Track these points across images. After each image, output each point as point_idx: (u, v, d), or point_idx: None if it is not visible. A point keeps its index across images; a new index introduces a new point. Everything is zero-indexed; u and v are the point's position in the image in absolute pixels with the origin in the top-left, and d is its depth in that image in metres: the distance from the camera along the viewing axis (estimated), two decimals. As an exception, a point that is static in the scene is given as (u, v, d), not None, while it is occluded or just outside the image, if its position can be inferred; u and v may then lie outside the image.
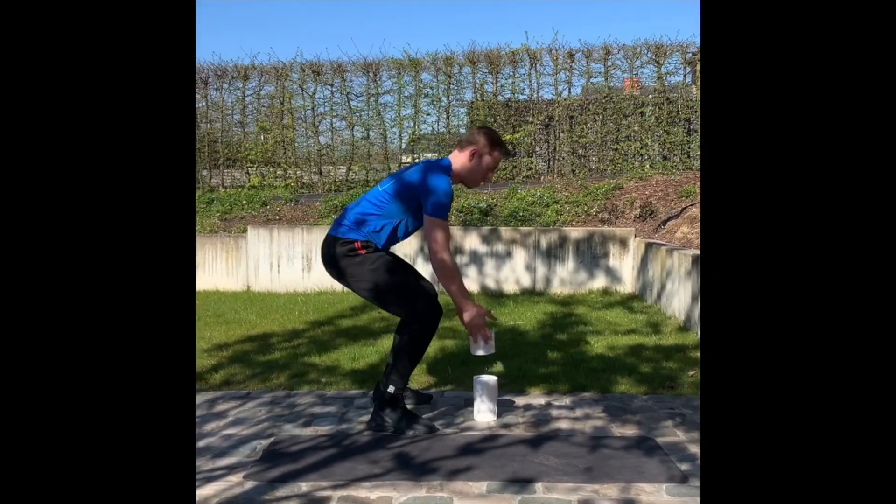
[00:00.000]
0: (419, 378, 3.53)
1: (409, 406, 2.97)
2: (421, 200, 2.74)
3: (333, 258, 2.80)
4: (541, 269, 6.69)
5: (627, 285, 6.62)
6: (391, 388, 2.73)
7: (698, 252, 5.03)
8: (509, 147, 3.02)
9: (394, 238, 2.85)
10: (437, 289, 3.12)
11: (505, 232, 6.75)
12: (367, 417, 2.93)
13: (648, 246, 6.14)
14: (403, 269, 2.87)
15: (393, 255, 2.90)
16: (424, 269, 5.80)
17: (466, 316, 2.75)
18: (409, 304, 2.76)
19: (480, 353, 2.79)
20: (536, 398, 3.22)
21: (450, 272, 2.73)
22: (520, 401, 3.17)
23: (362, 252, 2.76)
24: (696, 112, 9.02)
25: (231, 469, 2.38)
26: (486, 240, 6.74)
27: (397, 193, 2.78)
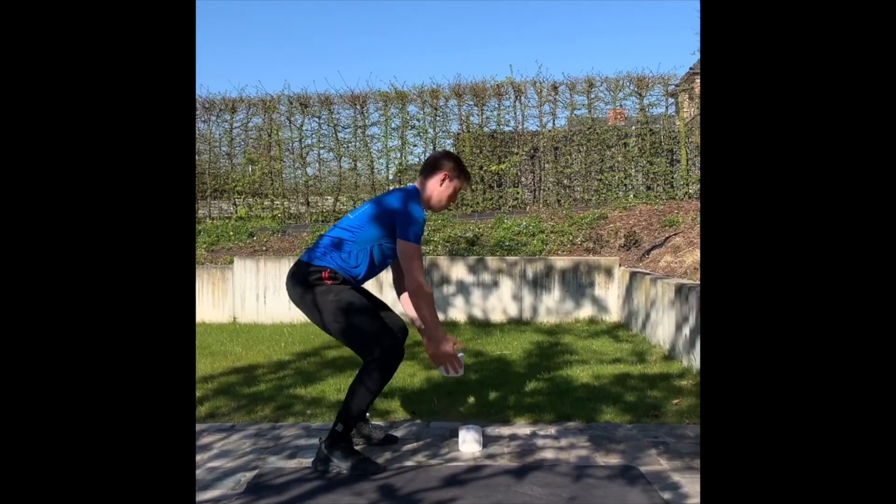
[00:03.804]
0: (404, 408, 3.53)
1: (374, 444, 2.94)
2: (396, 226, 2.72)
3: (298, 283, 2.73)
4: (527, 299, 6.73)
5: (613, 314, 6.66)
6: (340, 426, 2.64)
7: (682, 281, 5.09)
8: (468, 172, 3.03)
9: (371, 267, 2.80)
10: (405, 321, 3.04)
11: (491, 261, 6.79)
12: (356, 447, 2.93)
13: (633, 275, 6.20)
14: (369, 307, 2.76)
15: (361, 289, 2.83)
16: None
17: (441, 346, 2.72)
18: (369, 345, 2.66)
19: (452, 374, 2.78)
20: (522, 428, 3.23)
21: (428, 298, 2.71)
22: (505, 431, 3.18)
23: (328, 282, 2.70)
24: (678, 143, 9.16)
25: (215, 502, 2.37)
26: (472, 269, 6.77)
27: (371, 219, 2.75)
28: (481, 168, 9.15)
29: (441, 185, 2.87)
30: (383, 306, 2.96)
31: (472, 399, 3.72)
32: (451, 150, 2.99)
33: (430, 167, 2.89)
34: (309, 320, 2.83)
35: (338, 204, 9.37)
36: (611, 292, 6.70)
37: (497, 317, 6.71)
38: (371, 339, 2.66)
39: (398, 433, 3.12)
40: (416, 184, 2.90)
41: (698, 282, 4.79)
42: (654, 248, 6.99)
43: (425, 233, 7.80)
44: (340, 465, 2.63)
